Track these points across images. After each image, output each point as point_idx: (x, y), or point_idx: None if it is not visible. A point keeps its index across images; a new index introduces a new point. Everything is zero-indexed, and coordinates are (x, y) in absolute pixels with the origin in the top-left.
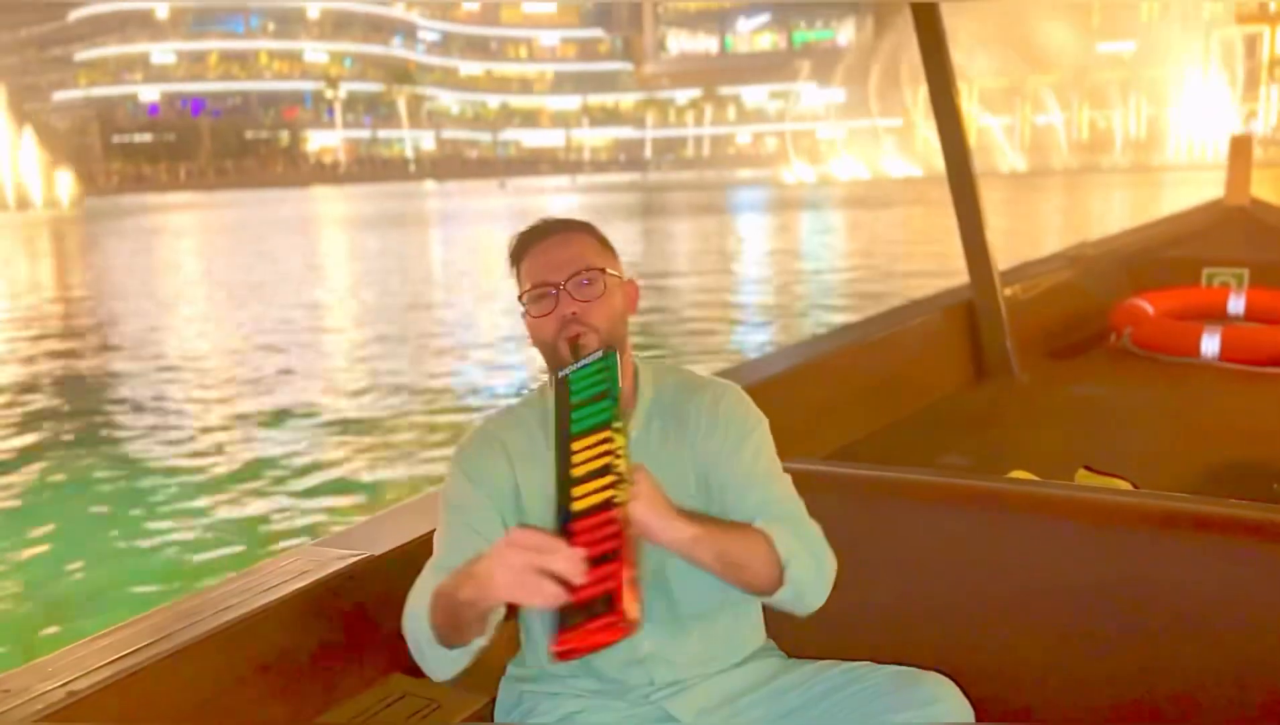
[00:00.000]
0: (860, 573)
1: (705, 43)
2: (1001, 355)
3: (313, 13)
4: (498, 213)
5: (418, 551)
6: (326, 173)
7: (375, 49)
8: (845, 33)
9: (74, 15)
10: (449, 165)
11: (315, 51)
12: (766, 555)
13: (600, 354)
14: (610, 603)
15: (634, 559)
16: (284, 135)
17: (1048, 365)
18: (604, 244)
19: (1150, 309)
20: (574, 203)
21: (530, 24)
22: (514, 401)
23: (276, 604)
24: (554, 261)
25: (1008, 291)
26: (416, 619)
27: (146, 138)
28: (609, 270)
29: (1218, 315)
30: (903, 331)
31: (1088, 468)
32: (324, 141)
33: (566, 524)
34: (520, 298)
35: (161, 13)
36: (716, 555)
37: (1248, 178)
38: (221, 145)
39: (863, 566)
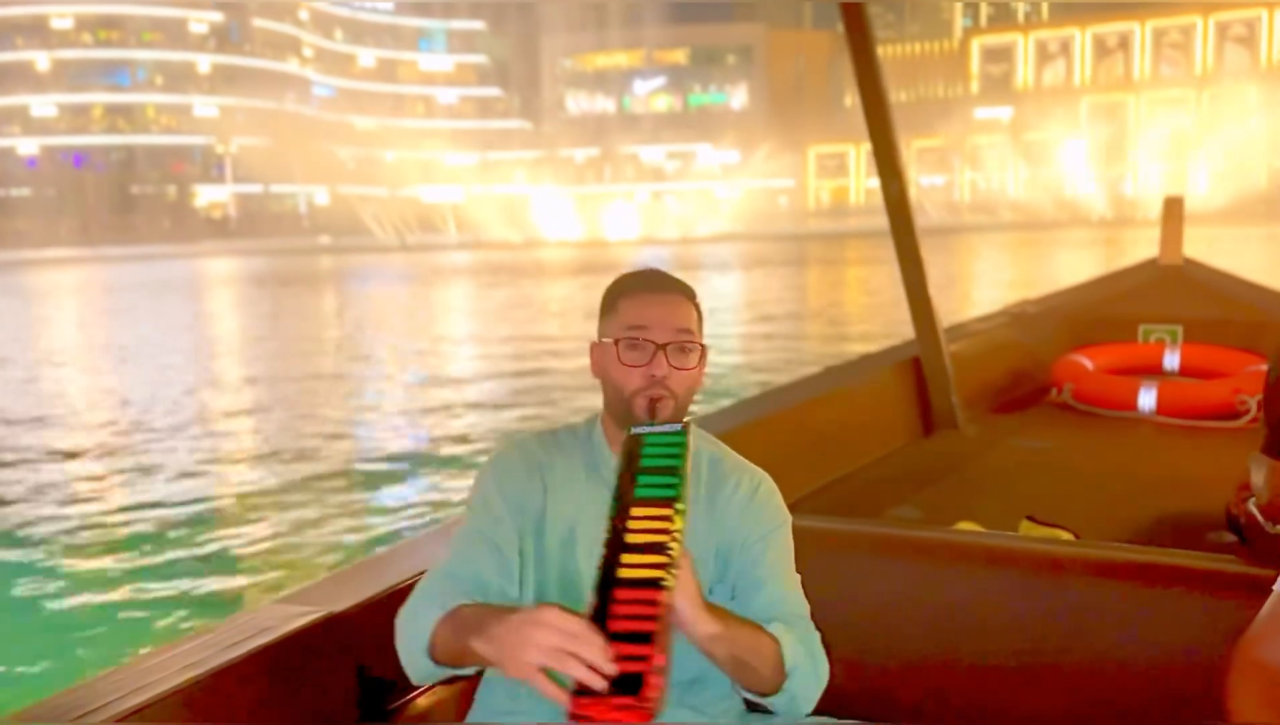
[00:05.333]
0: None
1: (603, 103)
2: (948, 410)
3: (203, 67)
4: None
5: (382, 609)
6: (216, 228)
7: (267, 104)
8: (738, 97)
9: None
10: (345, 220)
11: (205, 106)
12: (774, 661)
13: (678, 427)
14: (636, 686)
15: (666, 646)
16: (171, 190)
17: (992, 420)
18: (700, 314)
19: (1089, 365)
20: (471, 258)
21: (427, 81)
22: (561, 426)
23: (238, 662)
24: (660, 318)
25: (952, 347)
26: (415, 631)
27: (25, 192)
28: (703, 345)
29: (1154, 371)
30: (851, 387)
31: (1031, 519)
32: (213, 196)
33: (610, 590)
34: (611, 338)
35: (42, 64)
36: (730, 655)
37: (1180, 237)
38: (105, 200)
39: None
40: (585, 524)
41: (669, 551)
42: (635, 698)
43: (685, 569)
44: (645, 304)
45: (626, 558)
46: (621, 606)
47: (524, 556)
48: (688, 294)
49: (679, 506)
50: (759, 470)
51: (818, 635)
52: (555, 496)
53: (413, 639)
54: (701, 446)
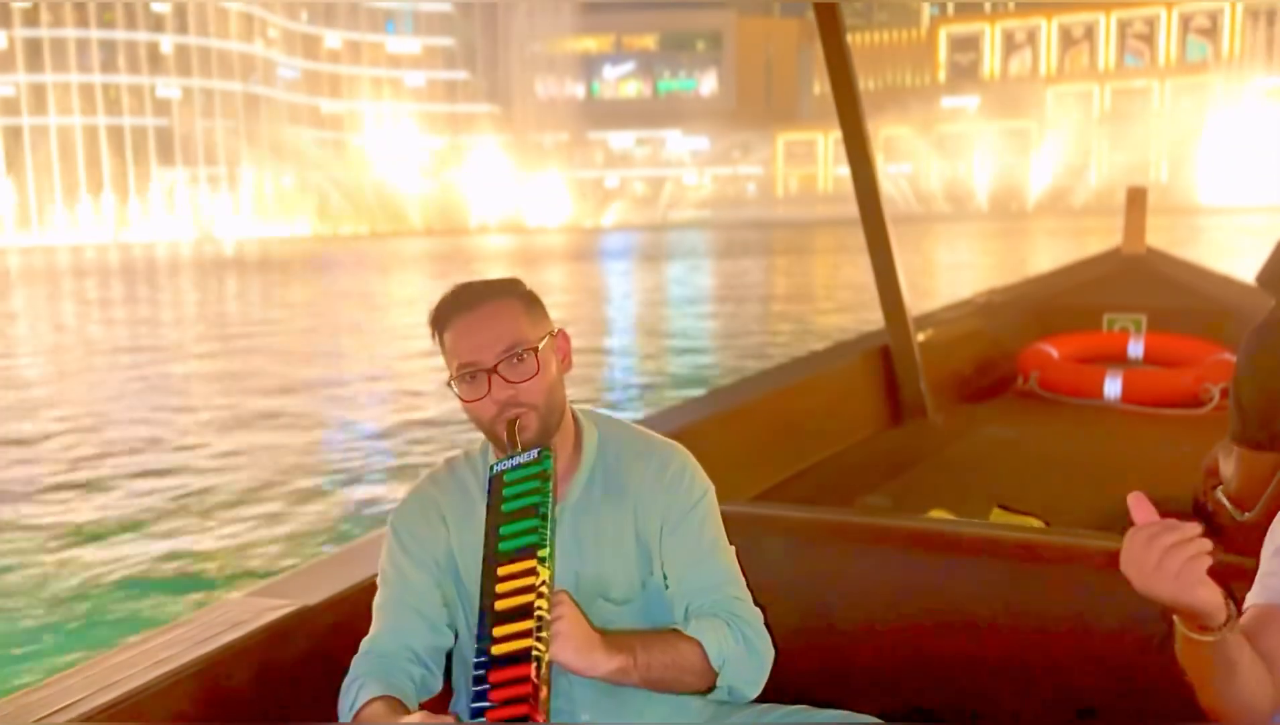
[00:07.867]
0: (788, 613)
1: (572, 88)
2: (917, 398)
3: (166, 48)
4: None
5: (354, 602)
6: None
7: (231, 86)
8: (707, 83)
9: None
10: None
11: (168, 87)
12: (698, 666)
13: (536, 454)
14: None
15: (545, 716)
16: (132, 172)
17: (961, 408)
18: (530, 304)
19: (1055, 353)
20: (443, 246)
21: (395, 64)
22: (454, 456)
23: (209, 658)
24: (481, 341)
25: (921, 336)
26: (345, 707)
27: None
28: (540, 341)
29: (1118, 359)
30: (822, 376)
31: (1002, 506)
32: (176, 178)
33: (485, 670)
34: (449, 381)
35: (1, 43)
36: (645, 680)
37: (1143, 227)
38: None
39: (791, 607)
40: None
41: (537, 612)
42: None
43: (568, 613)
44: (463, 331)
45: (499, 630)
46: (497, 690)
47: (449, 604)
48: (505, 294)
49: (541, 554)
50: (673, 445)
51: (758, 614)
52: (458, 533)
53: (345, 713)
54: (609, 432)
